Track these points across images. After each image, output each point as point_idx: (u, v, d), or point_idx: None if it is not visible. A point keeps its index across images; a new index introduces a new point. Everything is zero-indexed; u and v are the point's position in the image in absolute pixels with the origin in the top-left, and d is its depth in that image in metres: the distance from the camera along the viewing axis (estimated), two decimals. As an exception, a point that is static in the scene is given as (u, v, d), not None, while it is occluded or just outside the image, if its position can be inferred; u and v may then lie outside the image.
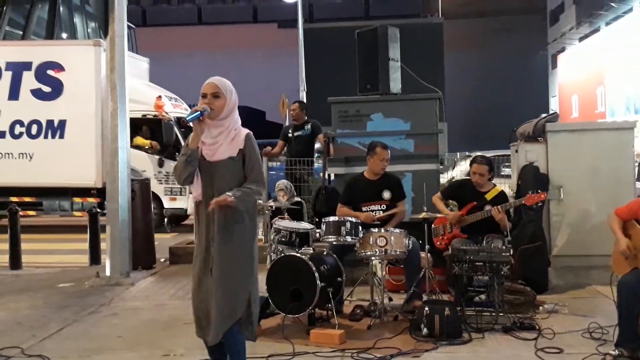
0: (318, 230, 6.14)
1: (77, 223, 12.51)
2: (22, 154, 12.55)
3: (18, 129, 12.57)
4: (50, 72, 12.59)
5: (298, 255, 5.66)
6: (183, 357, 4.98)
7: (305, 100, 17.34)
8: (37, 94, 12.56)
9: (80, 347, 5.34)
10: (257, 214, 4.09)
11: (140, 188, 8.88)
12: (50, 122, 12.45)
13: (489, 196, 6.40)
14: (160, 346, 5.29)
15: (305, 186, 9.49)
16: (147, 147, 12.82)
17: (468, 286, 5.75)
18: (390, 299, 6.25)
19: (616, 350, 4.59)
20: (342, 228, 5.87)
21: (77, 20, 30.88)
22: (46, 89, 12.58)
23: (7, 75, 12.71)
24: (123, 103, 8.12)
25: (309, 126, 9.75)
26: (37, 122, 12.38)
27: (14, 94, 12.64)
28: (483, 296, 5.78)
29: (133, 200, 8.39)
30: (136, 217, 8.49)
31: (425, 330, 5.24)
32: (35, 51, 13.03)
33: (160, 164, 12.67)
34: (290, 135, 9.78)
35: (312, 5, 37.00)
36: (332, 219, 6.01)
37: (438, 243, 6.45)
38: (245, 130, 3.95)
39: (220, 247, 3.88)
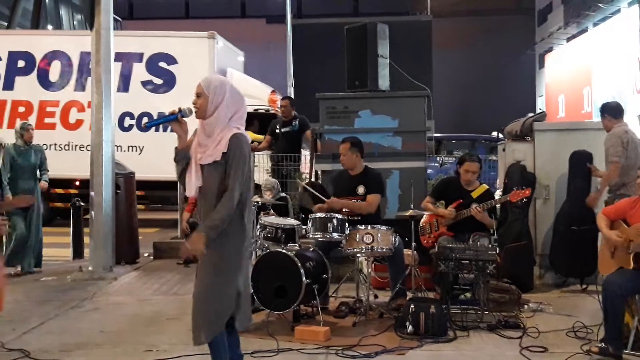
0: (304, 227, 6.10)
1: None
2: (132, 146, 12.28)
3: (127, 122, 12.26)
4: (162, 64, 12.31)
5: (283, 251, 5.63)
6: (166, 353, 4.92)
7: (292, 96, 17.27)
8: (148, 86, 12.26)
9: (61, 341, 5.28)
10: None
11: (125, 182, 8.81)
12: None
13: (475, 194, 6.39)
14: (143, 342, 5.23)
15: (292, 182, 9.44)
16: (260, 141, 12.41)
17: (454, 284, 5.76)
18: (376, 296, 6.23)
19: (601, 344, 4.61)
20: (329, 225, 5.84)
21: (63, 12, 30.57)
22: (157, 81, 12.30)
23: (117, 67, 12.10)
24: (108, 96, 8.04)
25: (297, 122, 9.70)
26: (148, 115, 11.92)
27: (124, 85, 12.33)
28: (468, 294, 5.80)
29: (117, 194, 8.32)
30: (120, 212, 8.43)
31: (410, 328, 5.23)
32: (147, 42, 12.68)
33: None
34: (277, 131, 9.72)
35: (301, 1, 36.89)
36: (318, 215, 5.97)
37: (425, 241, 6.43)
38: (232, 131, 3.75)
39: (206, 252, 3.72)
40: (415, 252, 6.10)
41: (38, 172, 8.34)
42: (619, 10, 23.88)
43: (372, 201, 6.24)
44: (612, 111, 6.71)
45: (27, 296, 6.94)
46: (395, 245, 5.89)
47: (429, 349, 5.00)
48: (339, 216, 5.92)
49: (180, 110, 3.76)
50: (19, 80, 12.54)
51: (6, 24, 21.07)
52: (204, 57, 12.09)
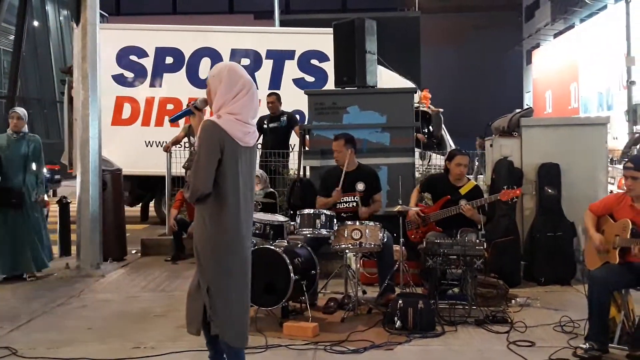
0: (292, 223, 6.10)
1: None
2: None
3: None
4: (314, 62, 11.98)
5: (272, 247, 5.61)
6: (153, 350, 4.91)
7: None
8: (299, 83, 11.82)
9: (49, 338, 5.25)
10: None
11: (112, 179, 8.75)
12: None
13: (463, 190, 6.43)
14: (131, 338, 5.22)
15: (280, 178, 9.43)
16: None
17: (442, 279, 5.77)
18: (364, 292, 6.24)
19: (586, 344, 4.63)
20: (317, 221, 5.84)
21: (49, 7, 30.30)
22: (309, 78, 11.93)
23: (268, 64, 12.06)
24: (95, 92, 7.99)
25: (285, 118, 9.68)
26: (299, 113, 10.91)
27: (275, 83, 11.92)
28: (456, 289, 5.81)
29: (104, 191, 8.27)
30: (107, 209, 8.38)
31: (398, 323, 5.24)
32: (298, 39, 12.32)
33: (423, 156, 11.15)
34: (265, 126, 9.70)
35: (289, -3, 36.91)
36: (306, 211, 5.97)
37: (412, 236, 6.46)
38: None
39: None
40: (403, 247, 6.12)
41: (34, 166, 7.57)
42: (605, 6, 24.00)
43: (380, 199, 6.55)
44: None
45: (14, 293, 6.91)
46: (384, 241, 5.91)
47: (417, 344, 5.01)
48: (328, 212, 5.92)
49: (194, 102, 3.75)
50: (167, 77, 12.19)
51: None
52: None
